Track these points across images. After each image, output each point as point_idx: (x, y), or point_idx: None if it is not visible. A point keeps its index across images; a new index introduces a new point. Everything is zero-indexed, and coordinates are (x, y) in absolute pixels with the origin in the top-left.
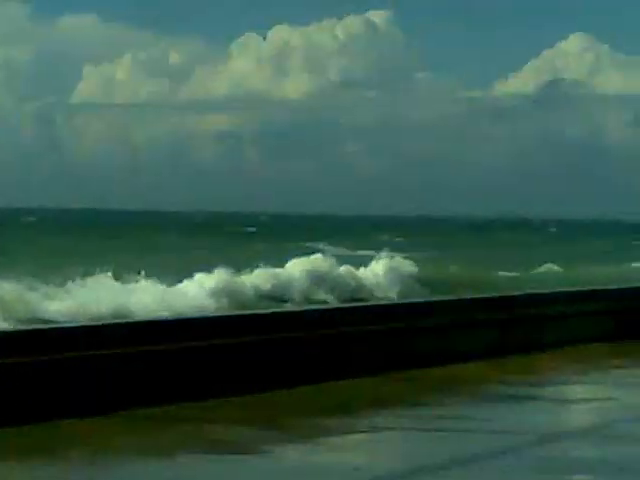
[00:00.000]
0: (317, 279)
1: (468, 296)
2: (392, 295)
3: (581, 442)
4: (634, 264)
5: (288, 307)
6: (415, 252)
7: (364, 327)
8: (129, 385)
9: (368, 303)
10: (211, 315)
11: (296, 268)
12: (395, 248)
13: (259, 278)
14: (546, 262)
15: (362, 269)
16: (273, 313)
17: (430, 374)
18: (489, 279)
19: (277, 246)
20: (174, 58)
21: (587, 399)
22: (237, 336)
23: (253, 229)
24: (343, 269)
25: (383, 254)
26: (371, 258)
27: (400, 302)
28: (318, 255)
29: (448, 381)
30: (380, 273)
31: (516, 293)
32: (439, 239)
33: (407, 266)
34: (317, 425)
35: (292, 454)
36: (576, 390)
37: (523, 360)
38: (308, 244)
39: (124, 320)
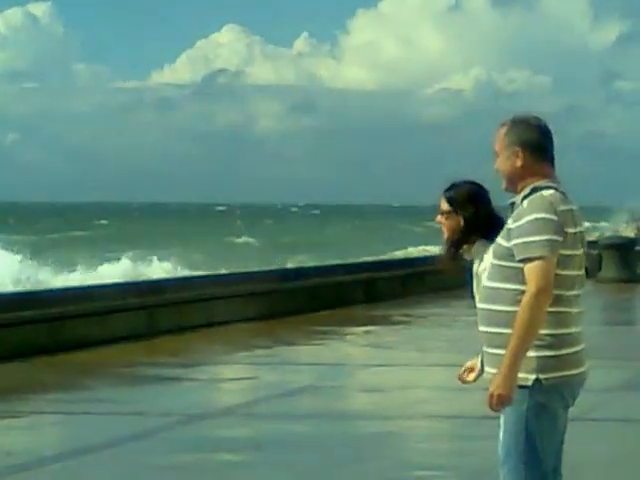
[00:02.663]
0: None
1: (120, 281)
2: None
3: (226, 421)
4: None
5: None
6: None
7: (12, 314)
8: None
9: (16, 290)
10: None
11: None
12: None
13: None
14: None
15: None
16: None
17: (77, 358)
18: None
19: None
20: None
21: (233, 379)
22: None
23: None
24: None
25: None
26: None
27: (50, 288)
28: None
29: (96, 365)
30: None
31: (166, 277)
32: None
33: None
34: None
35: None
36: (223, 370)
37: (173, 342)
38: None
39: None
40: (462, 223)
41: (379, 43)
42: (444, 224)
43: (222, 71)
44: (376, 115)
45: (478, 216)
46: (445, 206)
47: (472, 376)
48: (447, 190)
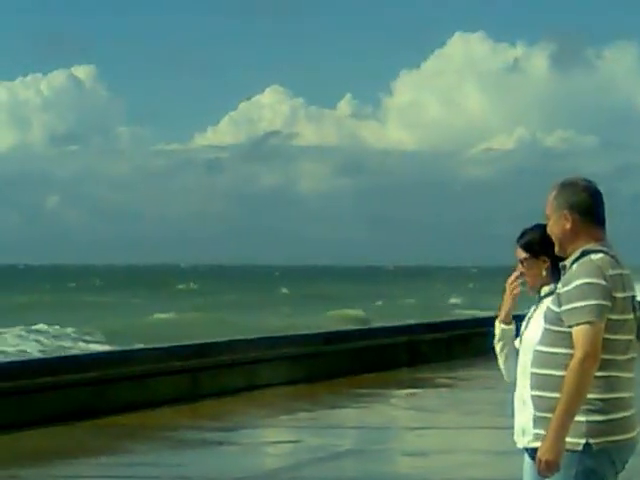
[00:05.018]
0: None
1: (162, 345)
2: None
3: None
4: None
5: None
6: None
7: (55, 377)
8: None
9: (58, 354)
10: None
11: None
12: None
13: None
14: None
15: None
16: None
17: (120, 421)
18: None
19: None
20: None
21: (276, 442)
22: None
23: None
24: None
25: None
26: None
27: (93, 352)
28: None
29: (139, 428)
30: None
31: (208, 341)
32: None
33: None
34: (14, 476)
35: None
36: (266, 434)
37: (215, 405)
38: None
39: None
40: (547, 265)
41: (423, 104)
42: (526, 274)
43: (274, 133)
44: (420, 176)
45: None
46: (523, 254)
47: None
48: (520, 238)
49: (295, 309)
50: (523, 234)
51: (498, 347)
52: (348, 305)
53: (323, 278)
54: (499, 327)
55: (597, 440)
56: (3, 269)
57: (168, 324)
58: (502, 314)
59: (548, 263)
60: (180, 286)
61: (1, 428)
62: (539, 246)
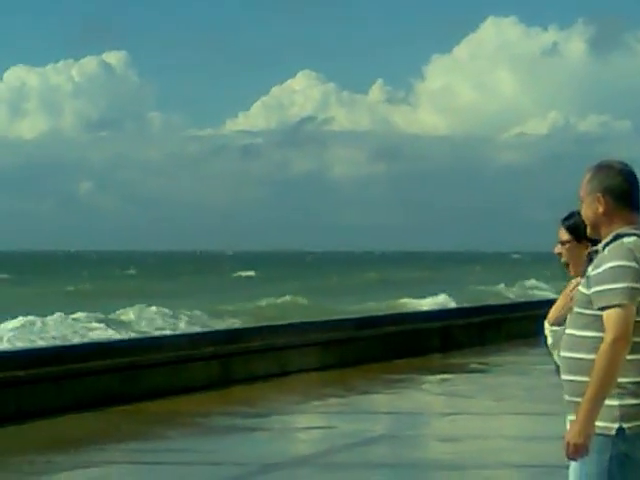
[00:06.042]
0: None
1: (193, 331)
2: None
3: (302, 471)
4: None
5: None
6: None
7: (87, 364)
8: None
9: (89, 341)
10: None
11: None
12: None
13: None
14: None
15: None
16: None
17: (151, 408)
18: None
19: None
20: None
21: (308, 428)
22: None
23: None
24: None
25: None
26: None
27: (123, 339)
28: None
29: (170, 414)
30: None
31: (239, 326)
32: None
33: None
34: (49, 461)
35: None
36: (298, 419)
37: (246, 391)
38: None
39: None
40: (589, 250)
41: (455, 88)
42: (565, 256)
43: (309, 119)
44: (453, 161)
45: None
46: (565, 236)
47: None
48: (566, 219)
49: (384, 294)
50: (570, 216)
51: (555, 351)
52: (433, 291)
53: (374, 264)
54: (551, 329)
55: (630, 424)
56: (44, 255)
57: (276, 309)
58: (553, 315)
59: (590, 248)
60: (247, 273)
61: (36, 414)
62: (585, 230)
